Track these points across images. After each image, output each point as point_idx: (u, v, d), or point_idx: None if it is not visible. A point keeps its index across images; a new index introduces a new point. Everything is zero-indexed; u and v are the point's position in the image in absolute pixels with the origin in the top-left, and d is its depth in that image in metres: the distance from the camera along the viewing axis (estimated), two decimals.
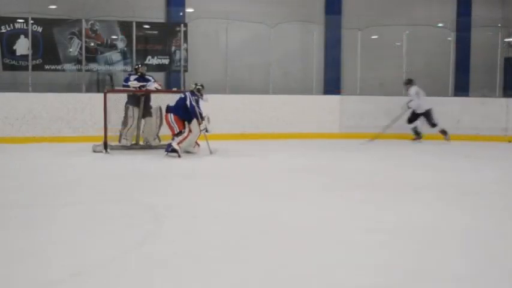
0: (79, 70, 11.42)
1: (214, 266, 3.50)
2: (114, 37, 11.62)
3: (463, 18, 14.39)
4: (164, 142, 9.26)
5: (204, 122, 8.77)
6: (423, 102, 11.39)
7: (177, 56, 12.02)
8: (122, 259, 3.64)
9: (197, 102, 8.88)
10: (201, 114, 8.77)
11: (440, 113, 12.23)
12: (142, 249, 3.87)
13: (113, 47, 11.61)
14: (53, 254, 3.71)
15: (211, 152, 8.89)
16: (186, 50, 12.09)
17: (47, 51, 11.11)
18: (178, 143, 8.60)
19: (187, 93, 8.91)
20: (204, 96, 9.09)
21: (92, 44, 11.42)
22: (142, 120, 9.45)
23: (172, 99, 9.47)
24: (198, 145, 9.09)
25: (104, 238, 4.11)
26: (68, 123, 10.58)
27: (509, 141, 11.78)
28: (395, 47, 13.41)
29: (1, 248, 3.87)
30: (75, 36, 11.29)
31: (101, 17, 11.67)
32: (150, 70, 10.78)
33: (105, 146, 8.96)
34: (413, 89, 11.48)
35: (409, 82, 11.70)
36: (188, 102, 8.76)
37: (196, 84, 9.06)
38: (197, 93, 8.97)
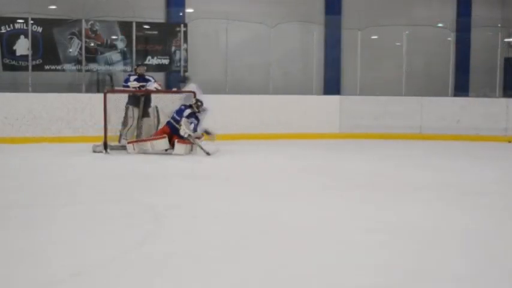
0: (79, 70, 11.42)
1: (214, 266, 3.50)
2: (114, 37, 11.62)
3: (463, 19, 14.39)
4: (133, 139, 9.25)
5: (182, 127, 8.79)
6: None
7: (177, 56, 12.02)
8: (122, 259, 3.63)
9: (191, 115, 9.02)
10: (177, 120, 8.92)
11: (440, 113, 12.28)
12: (142, 249, 3.86)
13: (112, 47, 11.61)
14: (53, 254, 3.71)
15: (208, 154, 8.77)
16: (186, 50, 12.09)
17: (47, 52, 11.11)
18: (131, 142, 9.00)
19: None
20: (203, 109, 9.26)
21: (92, 44, 11.42)
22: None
23: (172, 99, 9.47)
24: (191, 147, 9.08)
25: (104, 238, 4.11)
26: (68, 123, 10.58)
27: (509, 142, 11.77)
28: (395, 47, 13.43)
29: (1, 248, 3.87)
30: (75, 37, 11.28)
31: (101, 17, 11.67)
32: (150, 70, 10.78)
33: (105, 146, 8.97)
34: (191, 88, 10.36)
35: (185, 79, 10.37)
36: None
37: (197, 101, 9.15)
38: (195, 108, 9.07)
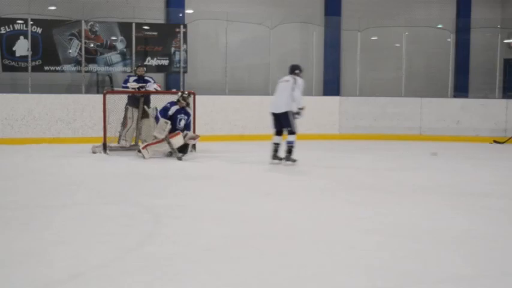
0: (79, 71, 11.41)
1: (214, 267, 3.50)
2: (113, 38, 11.62)
3: (462, 20, 14.39)
4: (145, 143, 9.17)
5: (157, 129, 8.62)
6: None
7: (177, 57, 12.02)
8: (121, 260, 3.63)
9: (179, 111, 8.76)
10: (157, 118, 8.72)
11: (439, 114, 12.29)
12: (142, 250, 3.86)
13: (112, 48, 11.60)
14: (52, 255, 3.70)
15: (179, 159, 8.44)
16: (186, 51, 12.08)
17: (47, 52, 11.11)
18: (145, 146, 8.65)
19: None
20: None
21: (92, 45, 11.42)
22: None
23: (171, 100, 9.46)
24: (193, 148, 9.01)
25: (103, 239, 4.11)
26: (67, 124, 10.58)
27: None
28: (395, 48, 13.44)
29: (1, 248, 3.87)
30: (74, 37, 11.28)
31: (101, 18, 11.67)
32: (150, 71, 10.78)
33: (105, 147, 8.97)
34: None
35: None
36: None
37: (182, 93, 8.93)
38: (182, 101, 8.79)
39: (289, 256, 3.75)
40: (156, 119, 8.75)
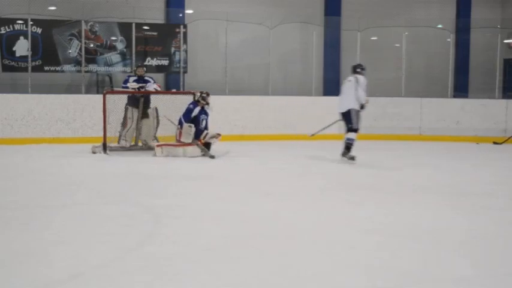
0: (78, 71, 11.42)
1: (214, 267, 3.50)
2: (113, 38, 11.63)
3: (462, 20, 14.40)
4: (162, 143, 9.20)
5: (183, 136, 8.69)
6: None
7: (177, 57, 12.03)
8: (121, 260, 3.63)
9: (201, 112, 8.87)
10: (181, 123, 8.77)
11: (439, 114, 12.29)
12: (142, 250, 3.86)
13: (112, 48, 11.61)
14: (52, 255, 3.70)
15: (212, 157, 8.66)
16: (186, 51, 12.09)
17: (47, 53, 11.12)
18: (160, 145, 8.79)
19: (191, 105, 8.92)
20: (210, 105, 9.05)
21: (92, 45, 11.43)
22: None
23: (170, 100, 9.46)
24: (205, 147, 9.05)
25: (103, 239, 4.10)
26: (67, 124, 10.58)
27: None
28: (395, 48, 13.44)
29: (1, 248, 3.87)
30: (74, 38, 11.29)
31: (101, 18, 11.68)
32: (150, 71, 10.78)
33: (104, 147, 8.97)
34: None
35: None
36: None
37: (201, 93, 8.98)
38: (202, 101, 8.89)
39: (289, 256, 3.75)
40: (180, 124, 8.78)
